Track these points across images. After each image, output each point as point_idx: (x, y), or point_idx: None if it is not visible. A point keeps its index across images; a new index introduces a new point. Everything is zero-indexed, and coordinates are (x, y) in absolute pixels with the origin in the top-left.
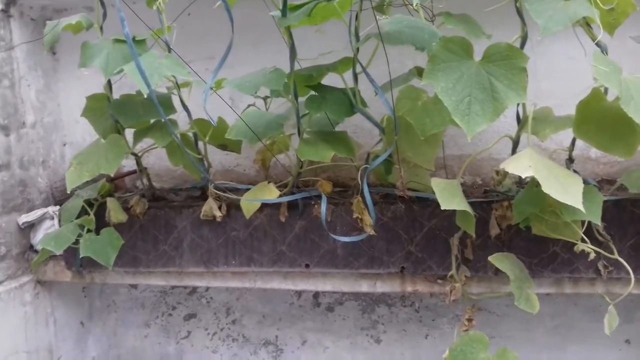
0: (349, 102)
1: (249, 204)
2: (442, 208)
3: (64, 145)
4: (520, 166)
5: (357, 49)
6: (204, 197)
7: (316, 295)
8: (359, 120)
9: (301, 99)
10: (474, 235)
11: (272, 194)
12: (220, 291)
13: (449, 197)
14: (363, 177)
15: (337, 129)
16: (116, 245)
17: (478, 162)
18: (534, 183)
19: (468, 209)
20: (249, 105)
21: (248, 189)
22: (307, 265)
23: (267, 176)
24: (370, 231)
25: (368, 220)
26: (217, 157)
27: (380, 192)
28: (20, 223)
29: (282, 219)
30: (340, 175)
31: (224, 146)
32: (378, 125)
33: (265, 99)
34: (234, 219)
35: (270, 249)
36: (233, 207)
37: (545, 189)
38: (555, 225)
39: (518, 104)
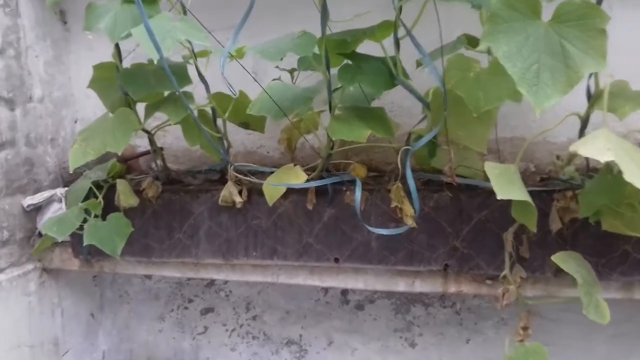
0: (389, 73)
1: (273, 189)
2: (499, 197)
3: (75, 122)
4: (597, 149)
5: (400, 9)
6: (223, 180)
7: (344, 291)
8: (396, 97)
9: (333, 71)
10: (534, 230)
11: (298, 178)
12: (240, 284)
13: (506, 185)
14: (405, 160)
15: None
16: (124, 233)
17: (531, 146)
18: (608, 170)
19: (529, 199)
20: (273, 80)
21: (272, 172)
22: (336, 260)
23: (293, 158)
24: (411, 223)
25: (409, 210)
26: (238, 137)
27: (422, 178)
28: (25, 205)
29: (310, 207)
30: (374, 159)
31: (245, 124)
32: (422, 99)
33: (291, 71)
34: (256, 205)
35: (296, 240)
36: (255, 193)
37: (628, 176)
38: (633, 220)
39: (590, 75)
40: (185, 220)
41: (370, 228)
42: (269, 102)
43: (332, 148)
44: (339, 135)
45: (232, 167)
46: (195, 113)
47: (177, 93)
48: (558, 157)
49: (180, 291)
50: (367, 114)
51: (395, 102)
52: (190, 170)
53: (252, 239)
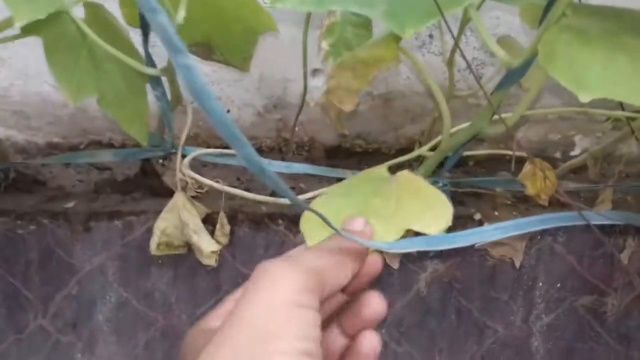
0: None
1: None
2: None
3: None
4: None
5: None
6: (150, 184)
7: None
8: None
9: None
10: None
11: (440, 216)
12: None
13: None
14: None
15: None
16: None
17: None
18: None
19: None
20: None
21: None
22: None
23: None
24: None
25: None
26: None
27: None
28: None
29: (395, 266)
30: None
31: (207, 47)
32: None
33: None
34: (245, 253)
35: None
36: (243, 224)
37: None
38: None
39: None
40: (56, 288)
41: None
42: None
43: (491, 117)
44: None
45: (183, 156)
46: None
47: None
48: None
49: None
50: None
51: None
52: (64, 157)
53: None
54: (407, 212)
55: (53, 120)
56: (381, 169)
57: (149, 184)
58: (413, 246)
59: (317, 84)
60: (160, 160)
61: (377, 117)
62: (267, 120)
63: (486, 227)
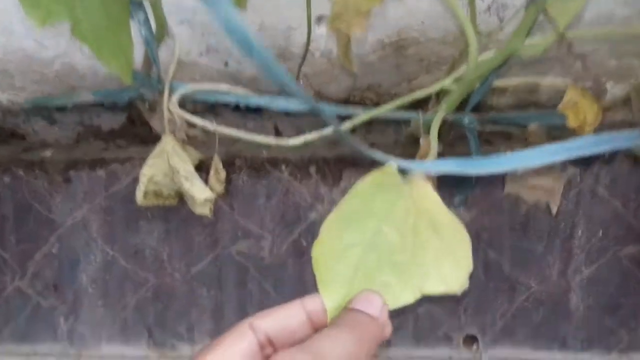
0: None
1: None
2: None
3: None
4: None
5: None
6: (135, 131)
7: None
8: None
9: None
10: None
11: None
12: None
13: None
14: None
15: None
16: None
17: None
18: None
19: None
20: None
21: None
22: None
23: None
24: None
25: None
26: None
27: None
28: None
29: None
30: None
31: None
32: None
33: None
34: (246, 204)
35: None
36: (244, 173)
37: None
38: None
39: None
40: (35, 246)
41: None
42: None
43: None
44: None
45: (170, 94)
46: None
47: None
48: None
49: None
50: None
51: None
52: (39, 100)
53: (236, 291)
54: (425, 257)
55: (38, 79)
56: (390, 169)
57: (137, 133)
58: (441, 167)
59: (323, 32)
60: (148, 107)
61: (388, 67)
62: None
63: (529, 150)
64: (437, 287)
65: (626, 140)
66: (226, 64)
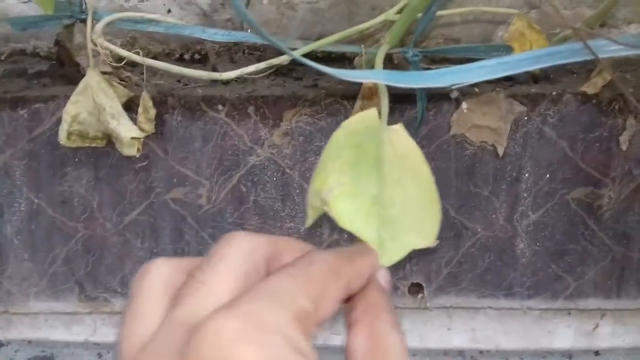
0: None
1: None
2: None
3: None
4: None
5: None
6: (64, 75)
7: None
8: None
9: None
10: None
11: None
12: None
13: None
14: None
15: None
16: None
17: None
18: None
19: None
20: None
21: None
22: None
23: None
24: None
25: None
26: None
27: None
28: None
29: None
30: None
31: None
32: None
33: None
34: (182, 145)
35: None
36: (179, 110)
37: None
38: None
39: None
40: None
41: None
42: None
43: None
44: None
45: (94, 24)
46: None
47: None
48: None
49: None
50: None
51: None
52: None
53: (173, 242)
54: (412, 211)
55: None
56: (373, 113)
57: (64, 74)
58: (372, 77)
59: None
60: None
61: (339, 16)
62: (214, 22)
63: (467, 65)
64: (420, 241)
65: (568, 54)
66: (169, 10)
